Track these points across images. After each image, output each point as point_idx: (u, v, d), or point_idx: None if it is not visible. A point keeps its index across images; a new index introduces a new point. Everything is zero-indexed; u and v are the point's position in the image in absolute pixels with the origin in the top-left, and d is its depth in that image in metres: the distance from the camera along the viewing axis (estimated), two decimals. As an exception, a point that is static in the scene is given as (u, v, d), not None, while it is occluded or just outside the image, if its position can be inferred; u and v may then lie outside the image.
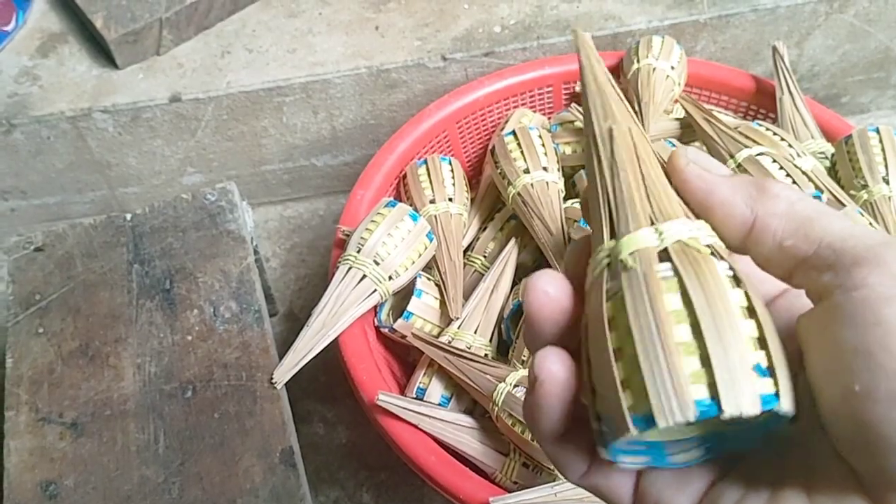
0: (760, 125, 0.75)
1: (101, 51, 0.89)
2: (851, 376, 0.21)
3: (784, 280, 0.25)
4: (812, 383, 0.24)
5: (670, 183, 0.26)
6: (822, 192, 0.67)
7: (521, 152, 0.75)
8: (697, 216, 0.25)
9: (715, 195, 0.25)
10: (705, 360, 0.22)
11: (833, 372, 0.22)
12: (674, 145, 0.71)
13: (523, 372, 0.63)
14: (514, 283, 0.74)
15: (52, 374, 0.66)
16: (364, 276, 0.67)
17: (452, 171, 0.79)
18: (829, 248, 0.23)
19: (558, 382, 0.25)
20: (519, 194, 0.73)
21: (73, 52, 0.91)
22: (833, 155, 0.77)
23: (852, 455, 0.22)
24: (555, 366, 0.25)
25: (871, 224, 0.64)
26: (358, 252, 0.68)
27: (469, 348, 0.69)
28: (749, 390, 0.22)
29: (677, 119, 0.80)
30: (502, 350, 0.73)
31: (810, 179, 0.67)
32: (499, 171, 0.76)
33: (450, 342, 0.68)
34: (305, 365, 0.66)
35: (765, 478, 0.25)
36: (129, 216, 0.75)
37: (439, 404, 0.66)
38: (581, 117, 0.77)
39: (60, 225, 0.76)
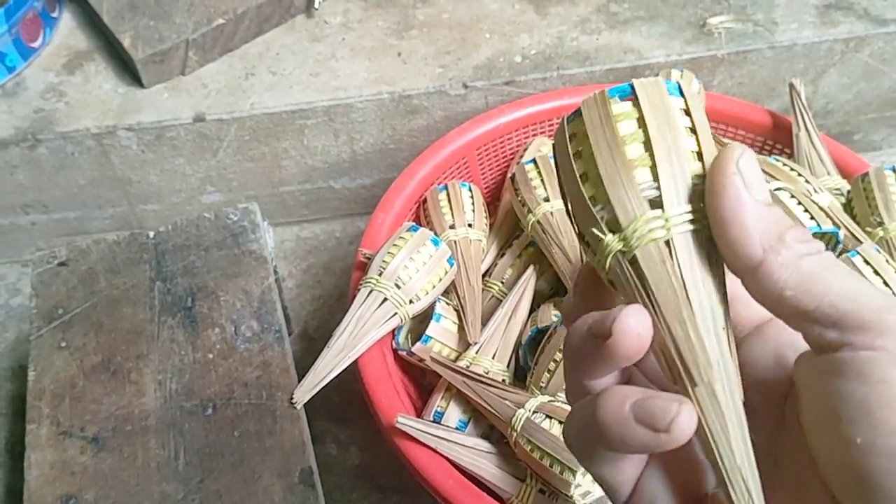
0: (777, 160, 0.77)
1: (127, 69, 0.91)
2: (853, 429, 0.22)
3: (782, 320, 0.26)
4: (808, 427, 0.25)
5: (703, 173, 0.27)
6: (839, 227, 0.67)
7: (542, 181, 0.76)
8: (715, 229, 0.26)
9: (738, 217, 0.25)
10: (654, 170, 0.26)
11: (834, 421, 0.23)
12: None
13: (542, 398, 0.64)
14: (532, 309, 0.75)
15: (74, 388, 0.67)
16: (385, 299, 0.68)
17: (472, 197, 0.80)
18: (831, 306, 0.23)
19: (636, 337, 0.25)
20: (538, 222, 0.74)
21: (100, 69, 0.92)
22: (849, 192, 0.78)
23: (848, 500, 0.23)
24: (639, 326, 0.25)
25: (887, 261, 0.65)
26: (380, 275, 0.69)
27: (487, 373, 0.69)
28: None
29: (695, 152, 0.81)
30: (519, 376, 0.74)
31: (827, 215, 0.68)
32: (519, 198, 0.77)
33: (468, 367, 0.69)
34: (321, 386, 0.66)
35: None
36: (151, 233, 0.76)
37: (457, 428, 0.67)
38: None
39: (83, 240, 0.77)
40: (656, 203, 0.26)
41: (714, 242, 0.26)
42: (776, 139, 0.85)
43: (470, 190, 0.81)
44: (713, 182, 0.25)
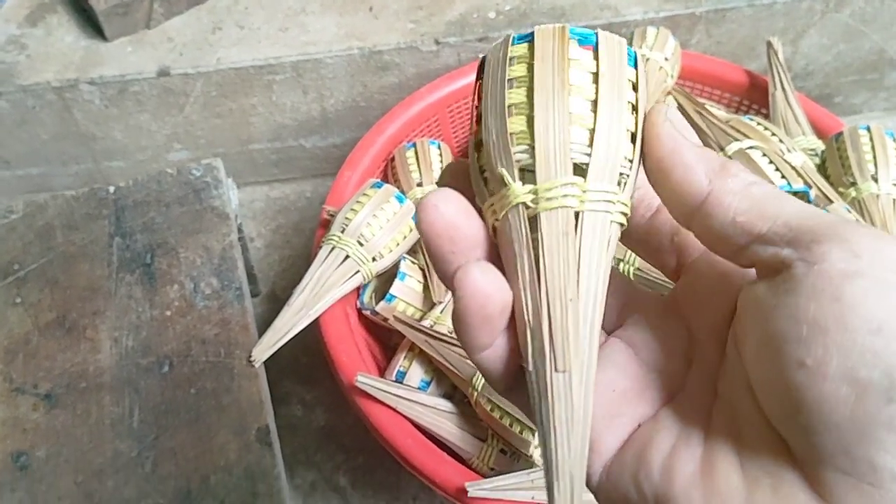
0: (752, 120, 0.75)
1: (90, 22, 0.88)
2: (804, 349, 0.21)
3: (730, 258, 0.25)
4: (750, 353, 0.24)
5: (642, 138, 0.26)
6: (810, 187, 0.66)
7: (511, 138, 0.74)
8: (655, 177, 0.25)
9: (678, 156, 0.25)
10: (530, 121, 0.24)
11: (781, 344, 0.22)
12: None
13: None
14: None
15: (28, 344, 0.65)
16: (347, 257, 0.67)
17: (441, 155, 0.79)
18: (785, 225, 0.23)
19: (481, 297, 0.24)
20: (507, 180, 0.72)
21: (62, 22, 0.89)
22: (823, 152, 0.76)
23: (786, 428, 0.22)
24: (479, 280, 0.23)
25: (858, 221, 0.64)
26: (342, 232, 0.67)
27: (450, 333, 0.68)
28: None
29: (669, 111, 0.79)
30: (485, 336, 0.73)
31: (799, 175, 0.67)
32: (487, 156, 0.75)
33: (432, 326, 0.67)
34: (286, 346, 0.65)
35: (695, 428, 0.25)
36: (111, 189, 0.74)
37: (419, 388, 0.66)
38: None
39: (41, 195, 0.75)
40: (581, 170, 0.24)
41: (614, 240, 0.25)
42: (752, 99, 0.84)
43: (439, 148, 0.80)
44: (648, 133, 0.25)
